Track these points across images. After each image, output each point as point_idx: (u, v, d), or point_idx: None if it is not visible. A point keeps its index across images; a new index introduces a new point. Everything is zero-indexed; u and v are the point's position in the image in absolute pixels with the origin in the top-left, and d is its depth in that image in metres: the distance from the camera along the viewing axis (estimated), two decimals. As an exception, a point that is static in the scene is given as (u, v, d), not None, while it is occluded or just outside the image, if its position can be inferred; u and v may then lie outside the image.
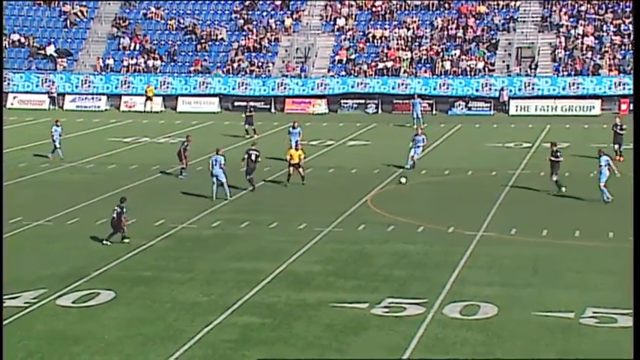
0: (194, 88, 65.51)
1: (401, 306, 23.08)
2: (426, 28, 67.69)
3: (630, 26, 63.82)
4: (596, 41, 63.88)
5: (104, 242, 28.94)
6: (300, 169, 38.34)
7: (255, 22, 70.32)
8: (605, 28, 64.54)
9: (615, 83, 60.48)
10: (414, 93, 59.62)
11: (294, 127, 44.12)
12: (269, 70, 66.50)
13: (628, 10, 65.11)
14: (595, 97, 60.16)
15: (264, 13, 71.19)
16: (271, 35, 69.05)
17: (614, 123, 43.94)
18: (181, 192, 36.90)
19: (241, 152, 38.90)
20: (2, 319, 19.99)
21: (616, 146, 42.89)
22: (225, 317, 22.51)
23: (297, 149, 38.91)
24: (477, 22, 67.52)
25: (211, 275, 26.03)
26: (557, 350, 20.01)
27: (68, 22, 72.00)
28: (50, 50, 69.45)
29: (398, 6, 69.82)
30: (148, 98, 64.39)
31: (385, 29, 68.07)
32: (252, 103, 58.29)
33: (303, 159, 38.88)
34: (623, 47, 63.13)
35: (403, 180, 27.95)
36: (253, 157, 37.06)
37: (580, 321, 21.85)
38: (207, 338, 21.17)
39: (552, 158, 36.36)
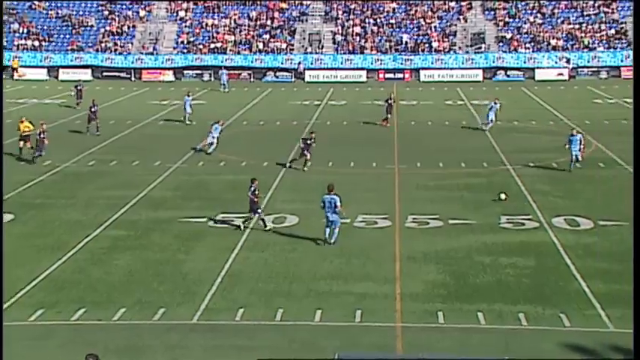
0: (71, 61, 62.30)
1: (230, 219, 23.01)
2: (244, 19, 66.75)
3: (378, 20, 65.22)
4: (362, 30, 64.94)
5: (266, 228, 21.68)
6: (28, 143, 30.97)
7: (117, 13, 67.35)
8: (367, 20, 65.64)
9: (375, 59, 61.78)
10: (222, 65, 59.04)
11: (188, 95, 40.90)
12: (129, 49, 64.03)
13: (382, 8, 66.44)
14: (362, 69, 61.26)
15: (124, 6, 68.24)
16: (130, 23, 66.39)
17: (387, 98, 40.25)
18: (62, 140, 35.14)
19: (104, 112, 37.45)
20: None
21: (388, 115, 39.53)
22: (100, 231, 21.82)
23: (22, 122, 31.66)
24: (280, 14, 67.13)
25: (89, 201, 25.09)
26: (340, 244, 20.49)
27: (-31, 10, 66.65)
28: (-47, 32, 64.27)
29: (223, 2, 68.45)
30: (14, 69, 61.04)
31: (215, 19, 66.68)
32: (81, 80, 50.83)
33: (30, 131, 31.53)
34: (379, 34, 64.45)
35: (503, 196, 24.46)
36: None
37: (354, 224, 22.45)
38: (87, 247, 20.49)
39: (307, 144, 29.68)
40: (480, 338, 15.11)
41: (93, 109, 37.88)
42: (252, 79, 61.02)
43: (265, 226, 21.82)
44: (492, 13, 64.95)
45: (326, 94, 52.80)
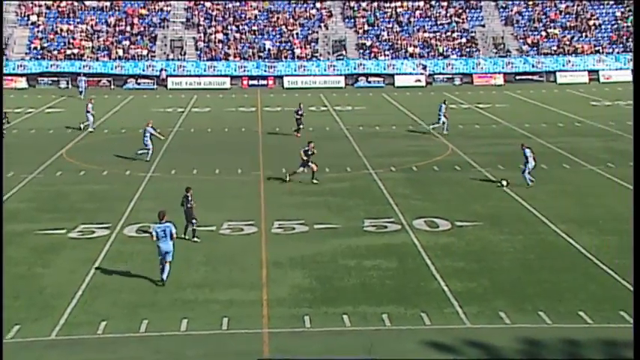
0: None
1: (91, 230, 22.27)
2: (102, 24, 64.74)
3: (241, 27, 65.22)
4: (224, 36, 64.69)
5: (194, 239, 21.15)
6: None
7: (-38, 16, 63.46)
8: (229, 27, 65.43)
9: (238, 66, 61.60)
10: (80, 72, 57.25)
11: (90, 102, 40.23)
12: (-24, 54, 60.51)
13: (244, 15, 66.47)
14: (226, 75, 60.89)
15: (-30, 9, 64.40)
16: (-23, 26, 62.73)
17: (296, 109, 38.40)
18: None
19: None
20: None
21: (301, 126, 37.82)
22: (-53, 248, 20.40)
23: None
24: (140, 20, 65.66)
25: None
26: (205, 252, 20.25)
27: None
28: None
29: (79, 7, 66.09)
30: None
31: (70, 24, 64.25)
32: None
33: None
34: (242, 41, 64.44)
35: (504, 182, 26.60)
36: None
37: (219, 232, 22.30)
38: None
39: (307, 155, 28.43)
40: (346, 340, 15.41)
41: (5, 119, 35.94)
42: (112, 86, 59.29)
43: (193, 237, 21.12)
44: (352, 21, 66.59)
45: (189, 101, 52.15)
